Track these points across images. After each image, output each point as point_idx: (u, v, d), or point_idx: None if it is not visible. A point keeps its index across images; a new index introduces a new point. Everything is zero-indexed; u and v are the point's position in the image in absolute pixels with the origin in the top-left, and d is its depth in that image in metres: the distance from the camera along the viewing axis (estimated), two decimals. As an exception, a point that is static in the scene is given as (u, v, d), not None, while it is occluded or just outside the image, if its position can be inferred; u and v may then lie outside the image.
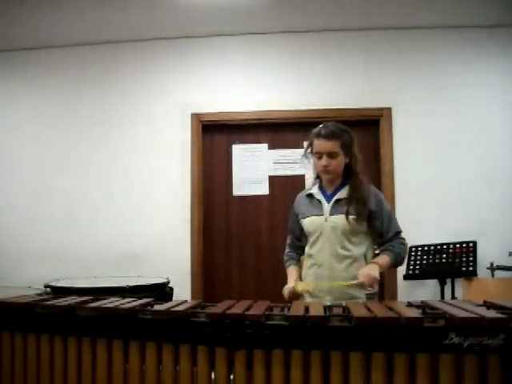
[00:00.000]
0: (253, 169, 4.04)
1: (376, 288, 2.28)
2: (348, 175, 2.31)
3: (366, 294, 2.21)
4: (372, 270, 2.17)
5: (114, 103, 4.07)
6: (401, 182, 3.78)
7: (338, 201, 2.28)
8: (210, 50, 4.01)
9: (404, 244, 2.31)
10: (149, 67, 4.06)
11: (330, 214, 2.27)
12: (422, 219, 3.68)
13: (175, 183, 3.95)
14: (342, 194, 2.29)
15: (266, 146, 4.05)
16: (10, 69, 4.19)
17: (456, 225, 3.65)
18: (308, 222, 2.33)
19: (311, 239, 2.32)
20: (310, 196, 2.37)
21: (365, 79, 3.88)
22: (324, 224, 2.27)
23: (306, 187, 3.88)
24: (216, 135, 4.08)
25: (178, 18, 3.67)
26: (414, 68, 3.87)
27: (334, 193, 2.31)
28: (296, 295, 2.28)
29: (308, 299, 2.28)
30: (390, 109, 3.86)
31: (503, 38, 3.79)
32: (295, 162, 3.97)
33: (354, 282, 2.16)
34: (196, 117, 4.00)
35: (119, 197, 3.99)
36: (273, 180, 4.02)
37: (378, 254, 2.32)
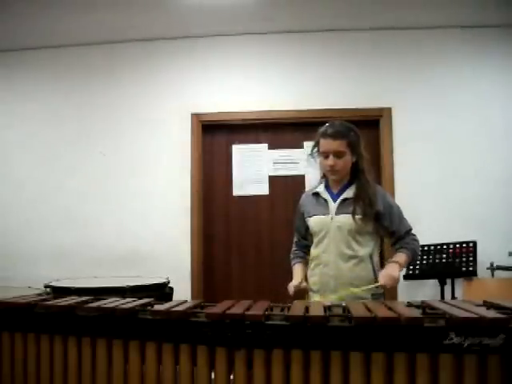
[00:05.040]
0: (253, 169, 4.04)
1: (382, 289, 2.27)
2: (355, 174, 2.30)
3: (372, 295, 2.20)
4: (393, 271, 2.16)
5: (114, 103, 4.07)
6: (401, 182, 3.78)
7: (344, 200, 2.26)
8: (210, 50, 4.01)
9: (416, 240, 2.31)
10: (149, 67, 4.06)
11: (336, 214, 2.25)
12: (421, 219, 3.67)
13: (175, 183, 3.95)
14: (349, 193, 2.27)
15: (265, 146, 4.05)
16: (11, 69, 4.19)
17: (456, 225, 3.65)
18: (314, 221, 2.31)
19: (316, 238, 2.30)
20: (316, 195, 2.35)
21: (365, 79, 3.88)
22: (330, 223, 2.25)
23: (306, 187, 3.93)
24: (216, 135, 4.08)
25: (178, 17, 3.67)
26: (414, 68, 3.87)
27: (341, 192, 2.30)
28: (301, 293, 2.27)
29: (314, 298, 2.27)
30: (389, 109, 3.86)
31: (503, 38, 3.79)
32: (295, 161, 3.97)
33: (374, 285, 2.14)
34: (196, 117, 4.00)
35: (119, 197, 3.99)
36: (273, 180, 4.02)
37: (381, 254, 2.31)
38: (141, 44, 4.05)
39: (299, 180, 3.95)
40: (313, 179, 3.83)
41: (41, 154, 4.10)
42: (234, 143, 4.07)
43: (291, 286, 2.29)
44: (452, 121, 3.81)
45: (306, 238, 2.42)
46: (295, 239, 2.49)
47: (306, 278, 2.34)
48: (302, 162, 3.95)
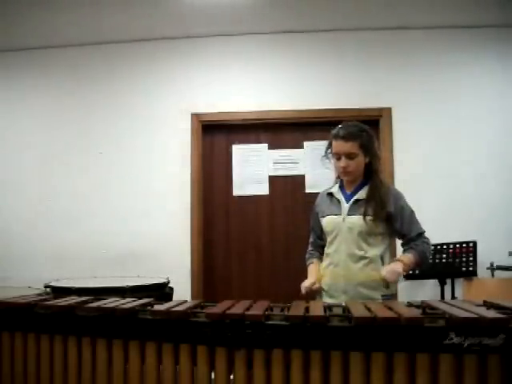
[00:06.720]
0: (253, 169, 4.04)
1: (393, 289, 2.27)
2: (368, 175, 2.30)
3: (382, 296, 2.19)
4: (395, 266, 2.16)
5: (114, 104, 4.07)
6: (401, 182, 3.77)
7: (356, 201, 2.27)
8: (210, 50, 4.01)
9: (428, 243, 2.30)
10: (149, 67, 4.06)
11: (348, 214, 2.26)
12: (421, 219, 3.65)
13: (175, 183, 3.94)
14: (362, 194, 2.28)
15: (265, 146, 4.04)
16: (10, 69, 4.19)
17: (456, 225, 3.65)
18: (326, 221, 2.32)
19: (329, 238, 2.32)
20: (331, 195, 2.36)
21: (365, 79, 3.88)
22: (341, 224, 2.26)
23: (306, 187, 3.93)
24: (216, 135, 4.08)
25: (178, 17, 3.67)
26: (414, 68, 3.87)
27: (354, 193, 2.30)
28: (313, 294, 2.28)
29: (324, 298, 2.28)
30: (389, 109, 3.86)
31: (503, 38, 3.79)
32: (295, 161, 3.97)
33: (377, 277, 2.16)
34: (196, 117, 4.00)
35: (119, 197, 3.99)
36: (273, 180, 4.02)
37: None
38: (141, 44, 4.05)
39: (299, 180, 3.95)
40: (312, 179, 3.86)
41: (41, 154, 4.09)
42: (234, 143, 4.07)
43: (304, 286, 2.29)
44: (452, 121, 3.81)
45: (322, 237, 2.42)
46: (311, 239, 2.50)
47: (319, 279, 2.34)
48: (302, 161, 3.96)
